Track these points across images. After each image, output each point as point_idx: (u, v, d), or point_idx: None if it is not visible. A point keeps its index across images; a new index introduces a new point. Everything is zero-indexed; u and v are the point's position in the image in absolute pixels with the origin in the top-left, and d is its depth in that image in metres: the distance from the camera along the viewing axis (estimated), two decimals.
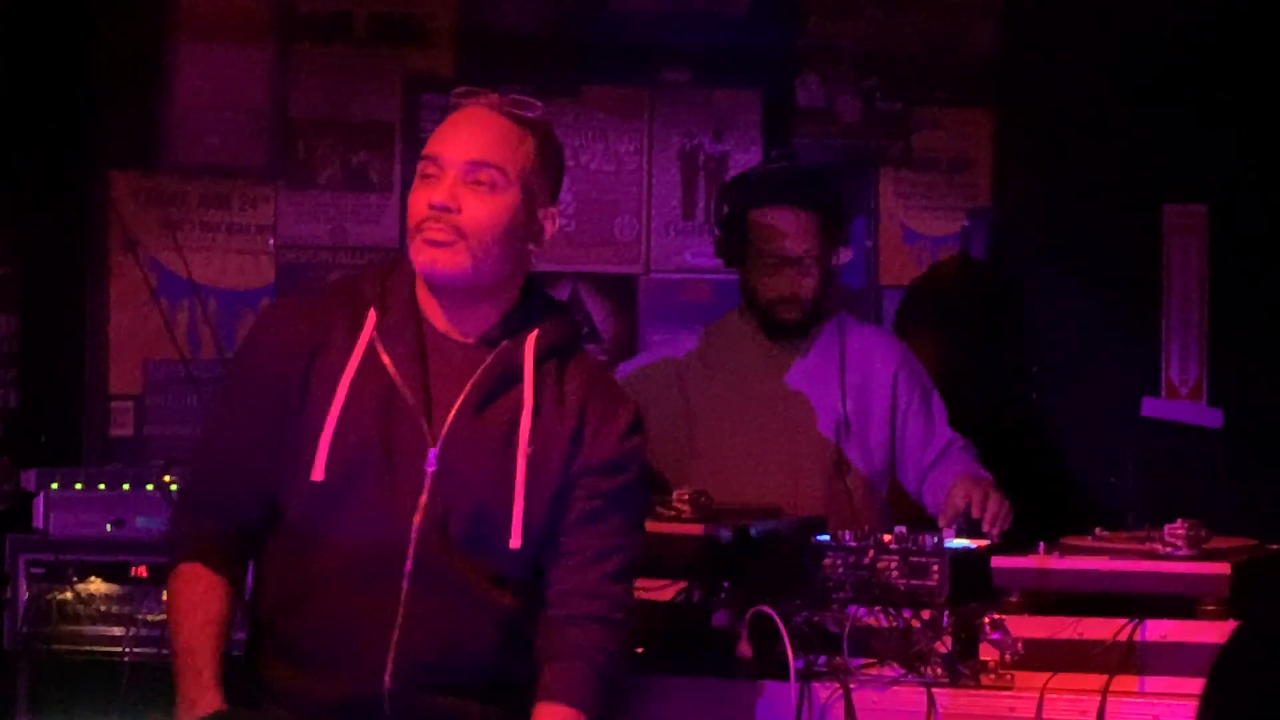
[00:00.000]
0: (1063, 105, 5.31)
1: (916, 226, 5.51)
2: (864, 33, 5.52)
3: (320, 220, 5.37)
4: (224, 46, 5.33)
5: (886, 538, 3.43)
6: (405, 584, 2.89)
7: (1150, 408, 4.99)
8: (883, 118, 5.54)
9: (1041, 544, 3.35)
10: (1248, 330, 5.03)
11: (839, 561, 3.43)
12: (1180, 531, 3.24)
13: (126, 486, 4.38)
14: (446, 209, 2.87)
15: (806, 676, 3.30)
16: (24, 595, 4.30)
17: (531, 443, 2.92)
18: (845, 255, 4.43)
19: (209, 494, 3.03)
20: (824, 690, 3.28)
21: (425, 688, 2.90)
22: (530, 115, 2.96)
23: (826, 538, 3.49)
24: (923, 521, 3.98)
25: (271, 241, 5.34)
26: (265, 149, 5.38)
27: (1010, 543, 3.56)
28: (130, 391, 5.29)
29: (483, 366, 2.94)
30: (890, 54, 5.50)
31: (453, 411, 2.91)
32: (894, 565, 3.39)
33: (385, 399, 2.91)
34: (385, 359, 2.93)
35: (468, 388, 2.93)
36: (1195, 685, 3.13)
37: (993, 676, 3.24)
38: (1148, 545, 3.29)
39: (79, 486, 4.38)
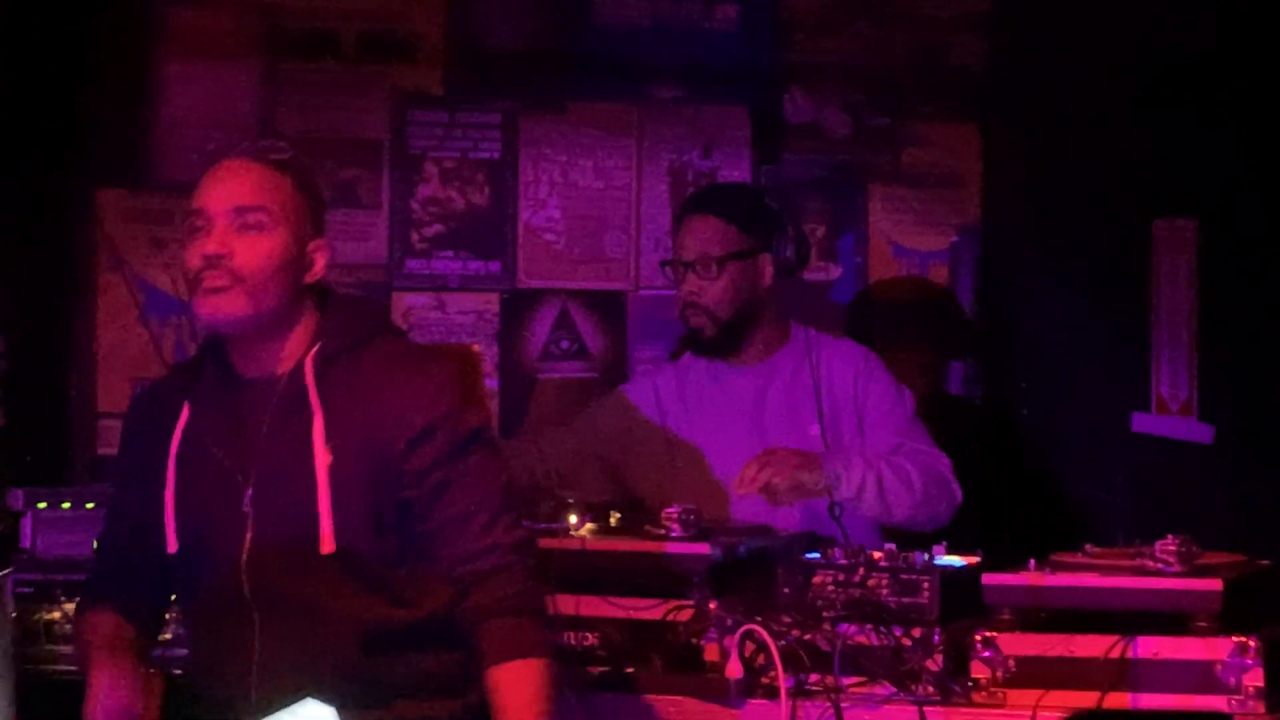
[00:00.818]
0: (1051, 119, 5.31)
1: (906, 242, 5.51)
2: (851, 48, 5.53)
3: None
4: (211, 64, 5.32)
5: (877, 555, 3.42)
6: (255, 616, 3.04)
7: (1141, 423, 4.98)
8: (871, 133, 5.54)
9: (1032, 561, 3.35)
10: (1238, 345, 5.02)
11: (829, 579, 3.42)
12: (1171, 548, 3.23)
13: None
14: (219, 256, 2.99)
15: (797, 695, 3.29)
16: (11, 615, 4.28)
17: (329, 446, 3.02)
18: (768, 270, 4.37)
19: (110, 579, 3.31)
20: (815, 709, 3.28)
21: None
22: (284, 157, 3.11)
23: (817, 555, 3.48)
24: (915, 538, 3.95)
25: None
26: None
27: (1001, 560, 3.54)
28: (118, 410, 5.24)
29: (274, 398, 3.07)
30: (878, 69, 5.51)
31: (258, 448, 3.06)
32: (885, 583, 3.38)
33: (205, 458, 3.08)
34: (202, 422, 3.10)
35: (267, 420, 3.06)
36: (1188, 702, 3.13)
37: (985, 694, 3.24)
38: (1139, 562, 3.28)
39: (66, 506, 4.36)
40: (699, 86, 5.52)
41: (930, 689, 3.27)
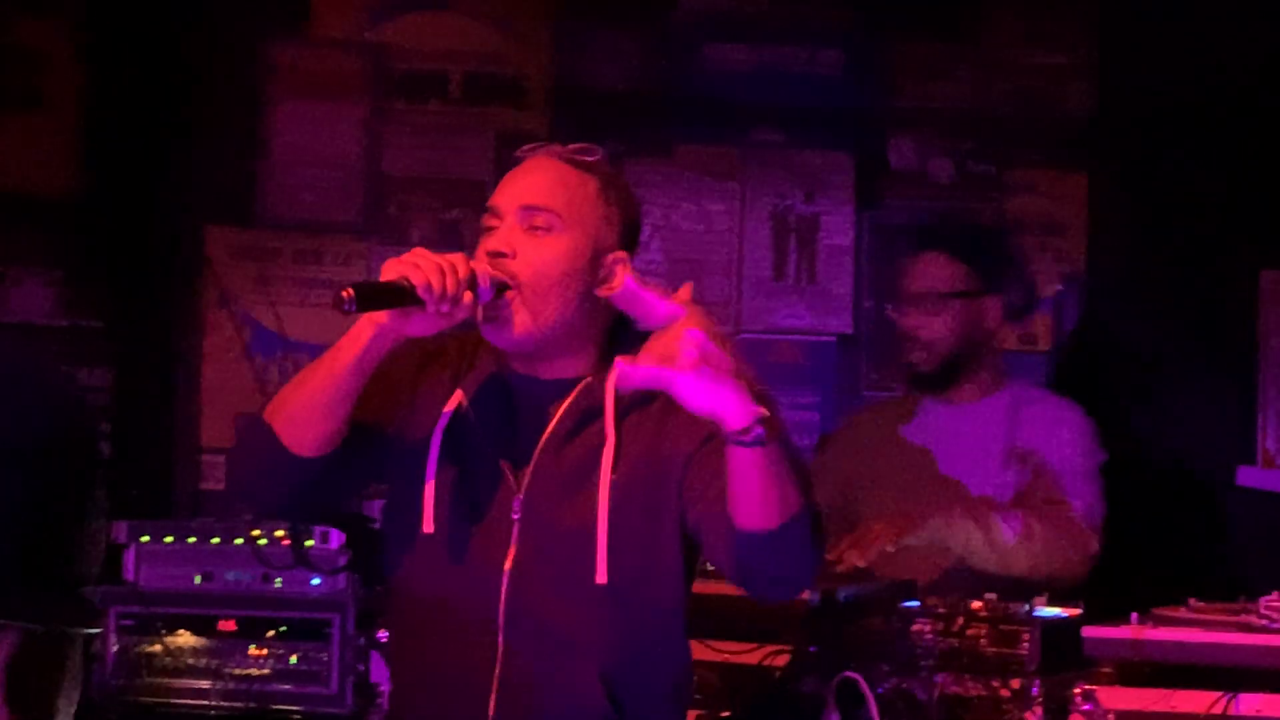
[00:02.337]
0: (1158, 168, 5.28)
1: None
2: (957, 94, 5.51)
3: None
4: (320, 104, 5.38)
5: (976, 604, 3.40)
6: (500, 636, 2.83)
7: (1246, 477, 4.93)
8: (975, 180, 5.52)
9: (1134, 614, 3.31)
10: None
11: (928, 628, 3.40)
12: (1277, 604, 3.20)
13: (216, 540, 4.38)
14: (500, 254, 2.81)
15: None
16: (113, 647, 4.32)
17: (616, 471, 2.82)
18: (994, 312, 4.32)
19: None
20: None
21: None
22: (590, 158, 2.90)
23: (915, 603, 3.46)
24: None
25: None
26: (358, 205, 5.42)
27: (1103, 612, 3.51)
28: (222, 445, 5.31)
29: (563, 406, 2.87)
30: (984, 116, 5.49)
31: (535, 456, 2.86)
32: (984, 633, 3.36)
33: (474, 452, 2.88)
34: (470, 413, 2.89)
35: (548, 430, 2.87)
36: None
37: None
38: (1243, 618, 3.25)
39: (169, 539, 4.39)
40: (802, 131, 5.52)
41: None
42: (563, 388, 2.89)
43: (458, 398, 2.88)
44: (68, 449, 2.16)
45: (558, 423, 2.86)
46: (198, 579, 4.37)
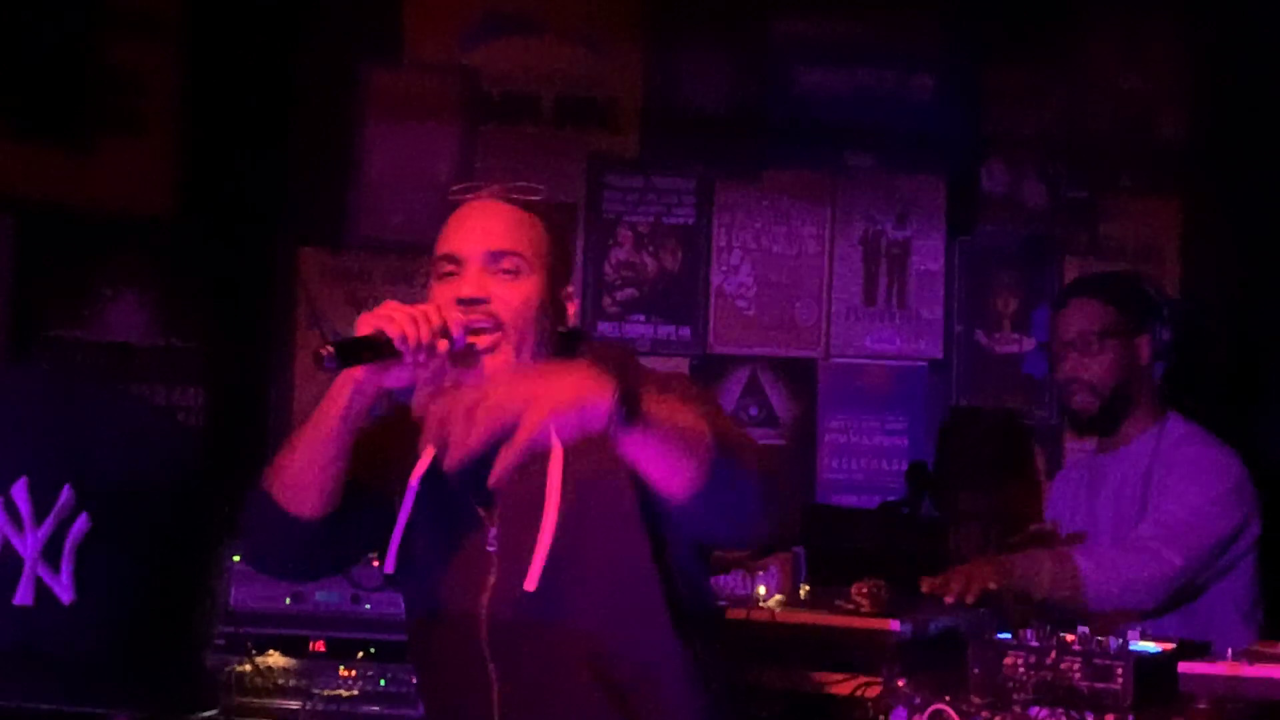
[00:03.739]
0: (1253, 194, 5.23)
1: None
2: (1050, 119, 5.49)
3: None
4: (412, 126, 5.41)
5: (1070, 638, 3.36)
6: (490, 665, 2.87)
7: None
8: (1068, 205, 5.49)
9: (1230, 650, 3.27)
10: None
11: (1020, 660, 3.37)
12: None
13: None
14: (475, 300, 2.81)
15: None
16: (210, 673, 4.34)
17: (563, 486, 2.79)
18: (1145, 350, 4.33)
19: None
20: None
21: None
22: (536, 198, 2.93)
23: (1008, 635, 3.43)
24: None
25: None
26: None
27: (1196, 646, 3.47)
28: None
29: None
30: (1077, 141, 5.46)
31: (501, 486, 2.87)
32: (1077, 666, 3.32)
33: (447, 492, 2.88)
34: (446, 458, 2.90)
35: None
36: None
37: None
38: None
39: None
40: (894, 155, 5.51)
41: None
42: None
43: (430, 451, 2.85)
44: (188, 504, 2.16)
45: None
46: (288, 600, 4.40)
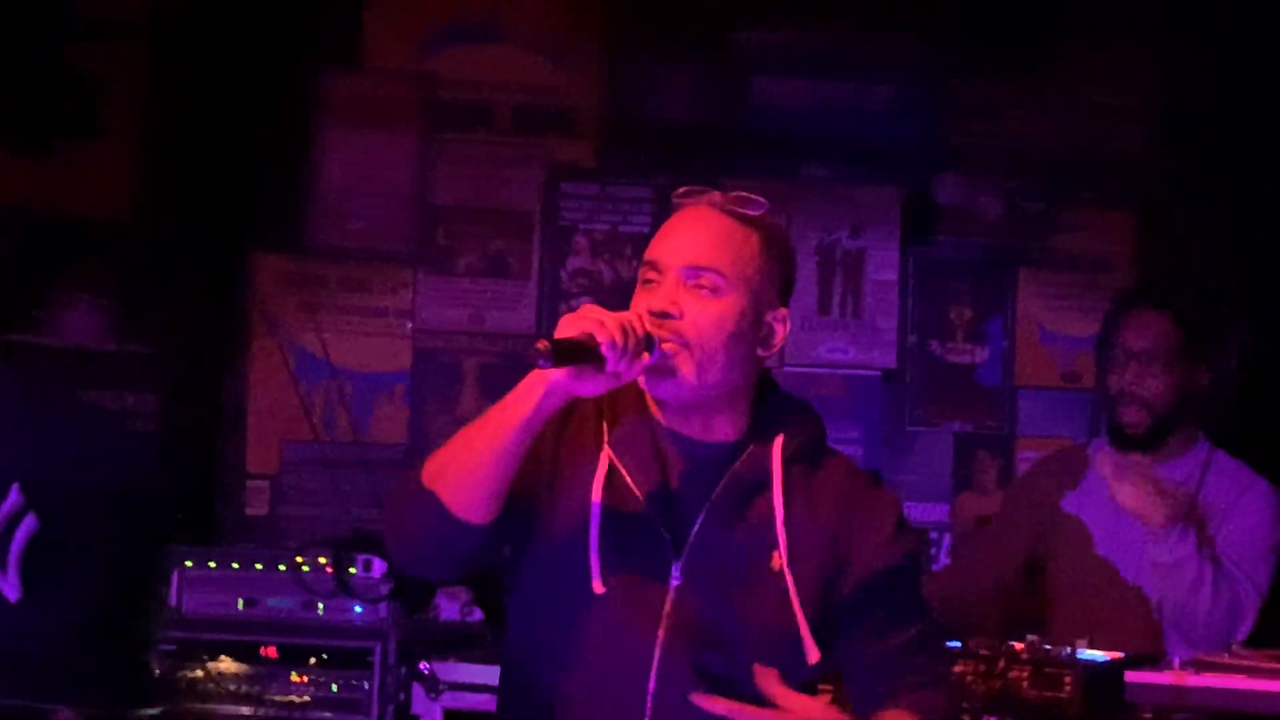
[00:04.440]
0: (1207, 209, 5.27)
1: (1054, 327, 5.48)
2: (1007, 132, 5.51)
3: (459, 306, 5.41)
4: (369, 133, 5.41)
5: (1019, 646, 3.39)
6: (649, 705, 2.72)
7: None
8: (1024, 217, 5.52)
9: (1177, 659, 3.30)
10: None
11: (970, 669, 3.39)
12: None
13: (260, 566, 4.40)
14: (667, 314, 2.68)
15: None
16: (155, 672, 4.34)
17: (790, 551, 2.72)
18: (1205, 376, 4.21)
19: None
20: None
21: None
22: (754, 213, 2.77)
23: (957, 644, 3.45)
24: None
25: (410, 326, 5.39)
26: (406, 235, 5.44)
27: (1144, 657, 3.49)
28: (266, 471, 5.35)
29: (729, 473, 2.76)
30: (1033, 154, 5.48)
31: (698, 522, 2.74)
32: (1026, 675, 3.34)
33: (625, 512, 2.76)
34: (622, 470, 2.77)
35: (714, 496, 2.75)
36: None
37: None
38: None
39: (213, 565, 4.40)
40: (851, 166, 5.52)
41: None
42: (724, 451, 2.78)
43: (607, 455, 2.78)
44: (137, 508, 2.17)
45: (723, 489, 2.76)
46: (240, 605, 4.39)
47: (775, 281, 2.78)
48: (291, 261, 5.39)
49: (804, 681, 2.74)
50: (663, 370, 2.69)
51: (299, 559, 4.38)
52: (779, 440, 2.77)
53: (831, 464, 2.82)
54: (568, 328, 2.61)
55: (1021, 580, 4.29)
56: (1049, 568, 4.28)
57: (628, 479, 2.76)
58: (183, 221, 5.12)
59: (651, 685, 2.71)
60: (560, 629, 2.77)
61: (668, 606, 2.72)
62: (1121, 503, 4.05)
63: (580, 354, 2.58)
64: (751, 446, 2.77)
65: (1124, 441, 4.22)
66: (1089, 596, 4.12)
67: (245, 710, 4.30)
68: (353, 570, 4.33)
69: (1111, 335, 4.27)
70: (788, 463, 2.76)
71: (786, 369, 5.44)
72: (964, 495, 5.46)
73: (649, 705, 2.72)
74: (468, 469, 2.68)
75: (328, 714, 4.27)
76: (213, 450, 5.32)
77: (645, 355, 2.64)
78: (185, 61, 5.17)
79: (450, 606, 4.52)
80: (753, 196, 2.79)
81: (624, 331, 2.60)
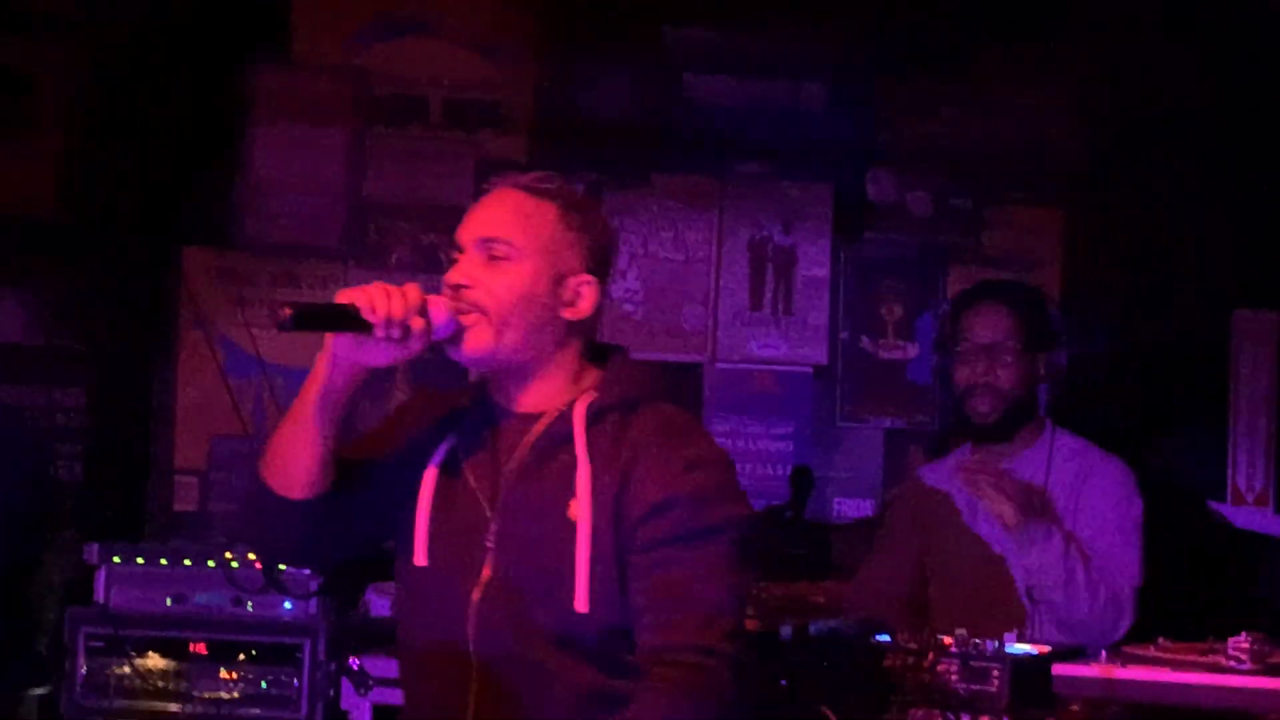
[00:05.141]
0: (1134, 207, 5.30)
1: None
2: (939, 131, 5.53)
3: None
4: (300, 127, 5.39)
5: (947, 640, 3.40)
6: (474, 663, 2.84)
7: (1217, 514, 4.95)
8: (954, 215, 5.54)
9: (1104, 652, 3.32)
10: None
11: (899, 663, 3.40)
12: (1245, 645, 3.20)
13: (188, 562, 4.39)
14: (460, 286, 2.85)
15: None
16: (82, 668, 4.31)
17: (593, 500, 2.82)
18: (1041, 370, 4.30)
19: None
20: None
21: None
22: (549, 186, 2.92)
23: (887, 638, 3.46)
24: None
25: None
26: (337, 229, 5.43)
27: (1071, 650, 3.51)
28: (195, 467, 5.32)
29: (532, 434, 2.89)
30: (964, 152, 5.51)
31: (502, 484, 2.88)
32: (954, 669, 3.36)
33: (459, 484, 2.91)
34: (457, 446, 2.93)
35: (516, 457, 2.89)
36: None
37: None
38: (1212, 658, 3.25)
39: (140, 561, 4.39)
40: (782, 163, 5.53)
41: None
42: (537, 417, 2.91)
43: (445, 433, 2.93)
44: (35, 496, 2.15)
45: (527, 450, 2.89)
46: (169, 601, 4.37)
47: (578, 249, 2.90)
48: (221, 256, 5.36)
49: (573, 635, 2.81)
50: (460, 338, 2.83)
51: (228, 555, 4.37)
52: (585, 399, 2.89)
53: (647, 413, 2.90)
54: (339, 299, 2.75)
55: (923, 590, 4.34)
56: (932, 578, 4.33)
57: (460, 454, 2.92)
58: (111, 216, 5.09)
59: (471, 648, 2.84)
60: (405, 604, 2.96)
61: (485, 570, 2.84)
62: (981, 503, 4.14)
63: (335, 320, 2.72)
64: (560, 408, 2.89)
65: (976, 434, 4.33)
66: (967, 605, 4.14)
67: (173, 707, 4.29)
68: (282, 567, 4.32)
69: (956, 331, 4.34)
70: (595, 417, 2.86)
71: (718, 365, 5.45)
72: (894, 491, 5.47)
73: (473, 667, 2.84)
74: (280, 449, 2.84)
75: (257, 710, 4.26)
76: (141, 446, 5.29)
77: (418, 321, 2.76)
78: (114, 55, 5.15)
79: (381, 602, 4.51)
80: (550, 174, 2.94)
81: (387, 296, 2.74)
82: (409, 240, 5.44)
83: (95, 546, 4.42)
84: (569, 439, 2.87)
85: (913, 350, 5.54)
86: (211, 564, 4.37)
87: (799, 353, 5.50)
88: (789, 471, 5.38)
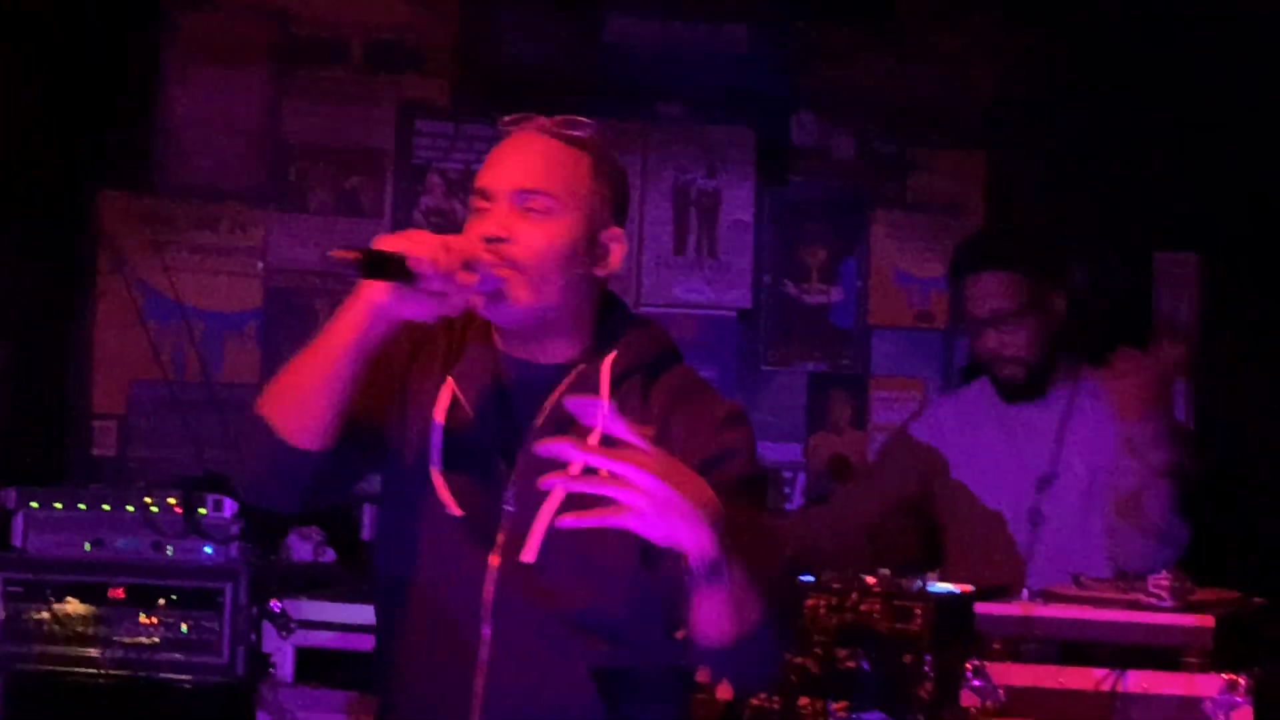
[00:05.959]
0: (1056, 151, 5.32)
1: (908, 268, 5.51)
2: (862, 74, 5.52)
3: (310, 245, 5.35)
4: (219, 69, 5.33)
5: (870, 580, 3.41)
6: (486, 628, 2.71)
7: None
8: (877, 158, 5.54)
9: (1025, 591, 3.34)
10: (1238, 378, 5.03)
11: (822, 603, 3.41)
12: (1164, 583, 3.22)
13: (107, 507, 4.35)
14: (499, 239, 2.68)
15: (788, 718, 3.27)
16: (0, 614, 4.28)
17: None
18: (1060, 305, 4.18)
19: None
20: None
21: None
22: (581, 134, 2.78)
23: (810, 579, 3.47)
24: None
25: (260, 265, 5.33)
26: (257, 172, 5.38)
27: (993, 589, 3.53)
28: (114, 411, 5.27)
29: (555, 392, 2.74)
30: (887, 96, 5.51)
31: (525, 444, 2.72)
32: (877, 608, 3.37)
33: (468, 441, 2.76)
34: (462, 398, 2.77)
35: (540, 418, 2.74)
36: None
37: None
38: (1132, 595, 3.27)
39: (59, 506, 4.36)
40: (705, 107, 5.52)
41: (920, 716, 3.26)
42: (558, 372, 2.77)
43: (450, 385, 2.78)
44: None
45: (552, 410, 2.74)
46: (87, 546, 4.35)
47: (608, 201, 2.79)
48: (139, 200, 5.30)
49: (597, 608, 2.70)
50: (498, 295, 2.68)
51: (147, 499, 4.34)
52: (610, 357, 2.76)
53: (671, 374, 2.80)
54: (381, 244, 2.60)
55: (895, 523, 4.31)
56: (938, 510, 4.30)
57: (467, 407, 2.76)
58: (27, 158, 5.01)
59: (487, 608, 2.70)
60: (408, 556, 2.77)
61: (502, 531, 2.71)
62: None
63: (388, 268, 2.56)
64: (582, 365, 2.77)
65: (1009, 393, 4.24)
66: (978, 544, 4.13)
67: (93, 652, 4.26)
68: (203, 510, 4.30)
69: (960, 301, 4.27)
70: (619, 378, 2.75)
71: (642, 308, 5.43)
72: (818, 435, 5.48)
73: (483, 640, 2.71)
74: (299, 395, 2.67)
75: (177, 655, 4.23)
76: (59, 390, 5.24)
77: (467, 275, 2.62)
78: None
79: (303, 546, 4.50)
80: (579, 119, 2.78)
81: (443, 249, 2.59)
82: (330, 183, 5.39)
83: (13, 491, 4.39)
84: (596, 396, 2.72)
85: (836, 294, 5.54)
86: (130, 508, 4.34)
87: (723, 297, 5.50)
88: None
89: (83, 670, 4.27)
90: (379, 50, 5.42)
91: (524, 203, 2.71)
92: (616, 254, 2.78)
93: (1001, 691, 3.22)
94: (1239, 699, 3.12)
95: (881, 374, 5.48)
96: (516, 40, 5.47)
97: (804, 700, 3.29)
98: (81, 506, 4.35)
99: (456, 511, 2.72)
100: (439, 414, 2.75)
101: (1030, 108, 5.37)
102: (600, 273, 2.77)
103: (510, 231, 2.69)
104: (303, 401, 2.67)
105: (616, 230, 2.79)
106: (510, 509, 2.72)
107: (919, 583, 3.41)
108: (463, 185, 5.41)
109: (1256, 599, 3.44)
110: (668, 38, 5.52)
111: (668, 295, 5.46)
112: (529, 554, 2.69)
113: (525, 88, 5.40)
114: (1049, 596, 3.35)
